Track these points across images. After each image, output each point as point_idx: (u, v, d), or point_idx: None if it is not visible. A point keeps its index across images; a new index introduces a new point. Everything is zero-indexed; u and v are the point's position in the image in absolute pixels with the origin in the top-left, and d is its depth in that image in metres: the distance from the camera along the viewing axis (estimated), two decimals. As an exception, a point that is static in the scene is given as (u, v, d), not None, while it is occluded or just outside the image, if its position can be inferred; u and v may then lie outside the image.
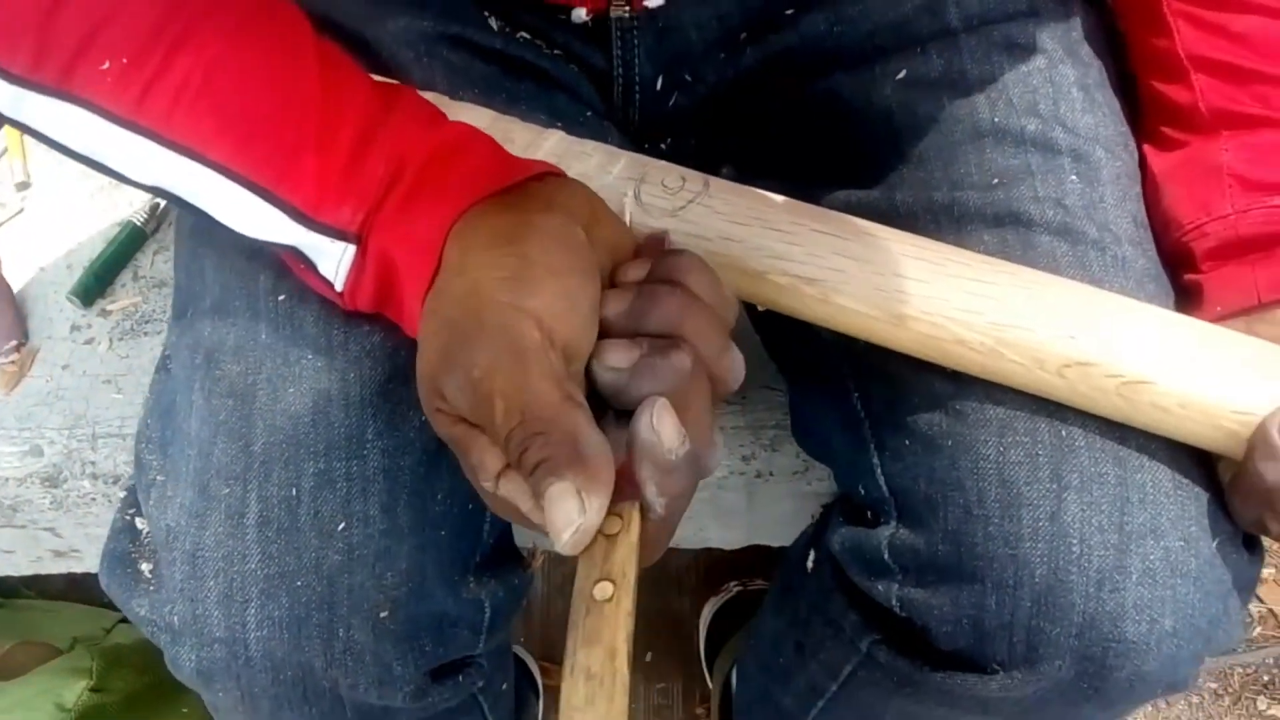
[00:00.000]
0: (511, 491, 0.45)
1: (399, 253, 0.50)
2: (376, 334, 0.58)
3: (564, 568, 1.43)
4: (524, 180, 0.51)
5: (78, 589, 1.41)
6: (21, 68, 0.50)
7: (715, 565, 1.38)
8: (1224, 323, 0.58)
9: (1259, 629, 1.39)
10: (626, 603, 0.43)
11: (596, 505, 0.42)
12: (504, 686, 0.78)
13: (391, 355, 0.58)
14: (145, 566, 0.59)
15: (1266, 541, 1.24)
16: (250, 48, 0.52)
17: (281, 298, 0.59)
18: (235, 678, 0.56)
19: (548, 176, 0.52)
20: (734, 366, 0.49)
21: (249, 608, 0.55)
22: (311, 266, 0.53)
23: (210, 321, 0.61)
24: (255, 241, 0.53)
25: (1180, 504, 0.55)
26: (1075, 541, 0.54)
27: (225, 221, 0.53)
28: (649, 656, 1.35)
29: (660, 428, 0.43)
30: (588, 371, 0.48)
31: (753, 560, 1.38)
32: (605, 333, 0.48)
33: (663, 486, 0.44)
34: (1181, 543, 0.55)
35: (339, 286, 0.53)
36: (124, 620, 1.34)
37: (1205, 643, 0.56)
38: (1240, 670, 1.37)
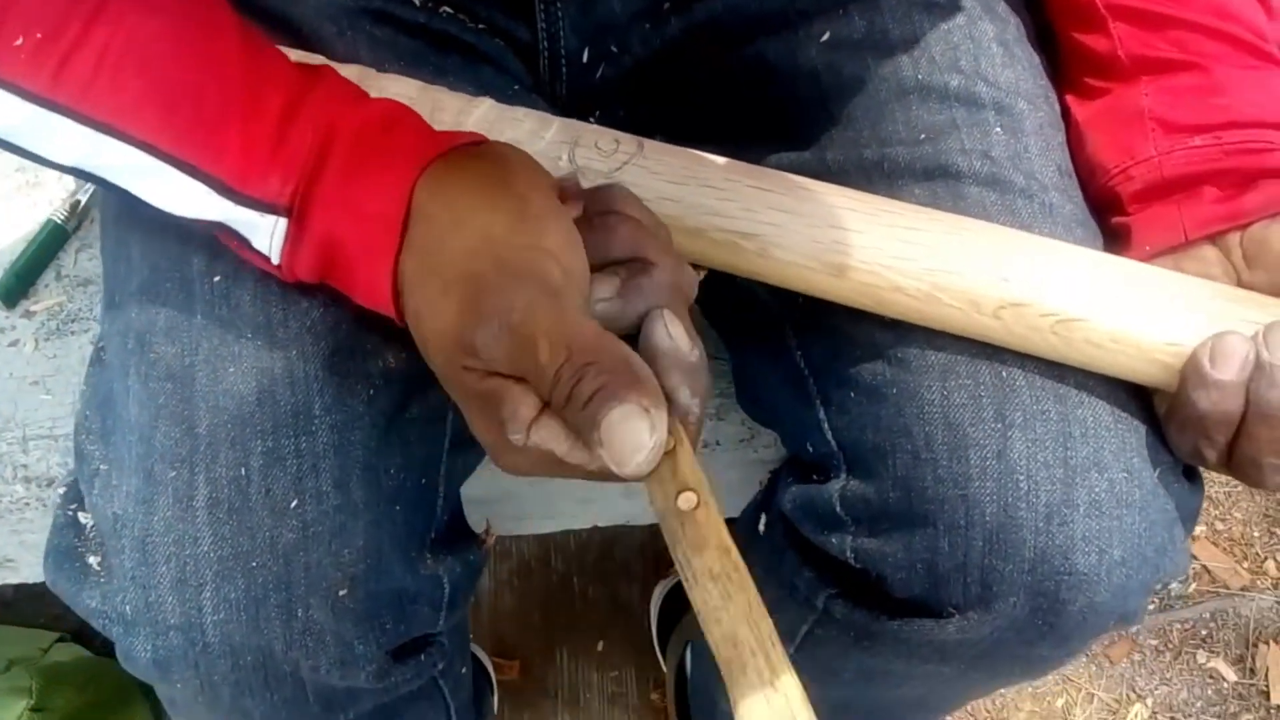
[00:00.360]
0: (546, 437, 0.45)
1: (346, 227, 0.50)
2: (316, 309, 0.57)
3: (509, 562, 1.42)
4: (462, 145, 0.51)
5: (10, 611, 1.38)
6: None
7: (663, 551, 1.38)
8: (1153, 261, 0.60)
9: (1194, 585, 1.43)
10: (713, 505, 0.45)
11: (663, 418, 0.43)
12: (463, 670, 0.78)
13: (333, 330, 0.57)
14: (93, 559, 0.58)
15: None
16: (168, 23, 0.51)
17: (216, 278, 0.58)
18: (193, 665, 0.55)
19: (479, 144, 0.53)
20: (691, 275, 0.51)
21: (204, 591, 0.54)
22: (244, 242, 0.52)
23: (139, 304, 0.59)
24: (183, 220, 0.52)
25: (1121, 437, 0.57)
26: (1023, 478, 0.55)
27: (149, 200, 0.52)
28: (600, 645, 1.36)
29: (675, 334, 0.46)
30: None
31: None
32: None
33: (693, 387, 0.46)
34: (1125, 474, 0.56)
35: (275, 259, 0.52)
36: (61, 639, 1.31)
37: (1154, 571, 0.57)
38: (1179, 626, 1.40)
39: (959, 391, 0.57)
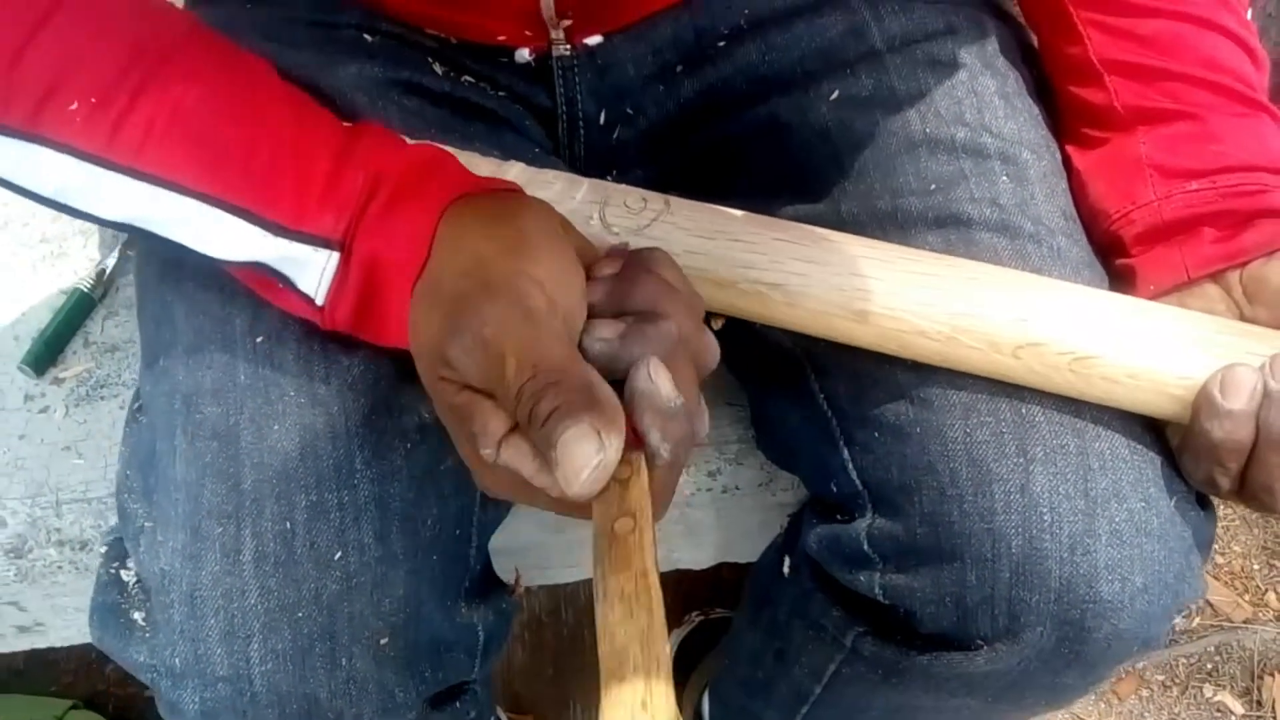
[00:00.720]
0: (513, 456, 0.47)
1: (386, 251, 0.52)
2: (356, 368, 0.59)
3: (520, 616, 1.43)
4: (491, 186, 0.54)
5: (21, 679, 1.38)
6: None
7: (674, 601, 1.40)
8: (1158, 300, 0.63)
9: (1198, 619, 1.44)
10: (648, 534, 0.45)
11: (615, 443, 0.44)
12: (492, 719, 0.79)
13: (373, 387, 0.59)
14: (137, 615, 0.59)
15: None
16: (218, 83, 0.54)
17: (259, 339, 0.60)
18: (241, 715, 0.56)
19: (515, 192, 0.55)
20: (710, 345, 0.52)
21: (251, 643, 0.55)
22: (290, 284, 0.54)
23: (184, 367, 0.61)
24: (230, 264, 0.54)
25: (1138, 468, 0.59)
26: (1046, 510, 0.58)
27: (198, 248, 0.54)
28: (614, 697, 1.36)
29: (656, 377, 0.47)
30: (580, 349, 0.50)
31: (711, 592, 1.40)
32: (590, 316, 0.51)
33: (666, 432, 0.47)
34: (1143, 504, 0.58)
35: (320, 300, 0.54)
36: (75, 707, 1.31)
37: (1174, 597, 0.59)
38: (1185, 660, 1.41)
39: (981, 429, 0.59)
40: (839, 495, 0.67)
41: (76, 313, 0.88)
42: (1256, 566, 1.48)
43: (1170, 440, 0.61)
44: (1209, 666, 1.41)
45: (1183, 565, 0.59)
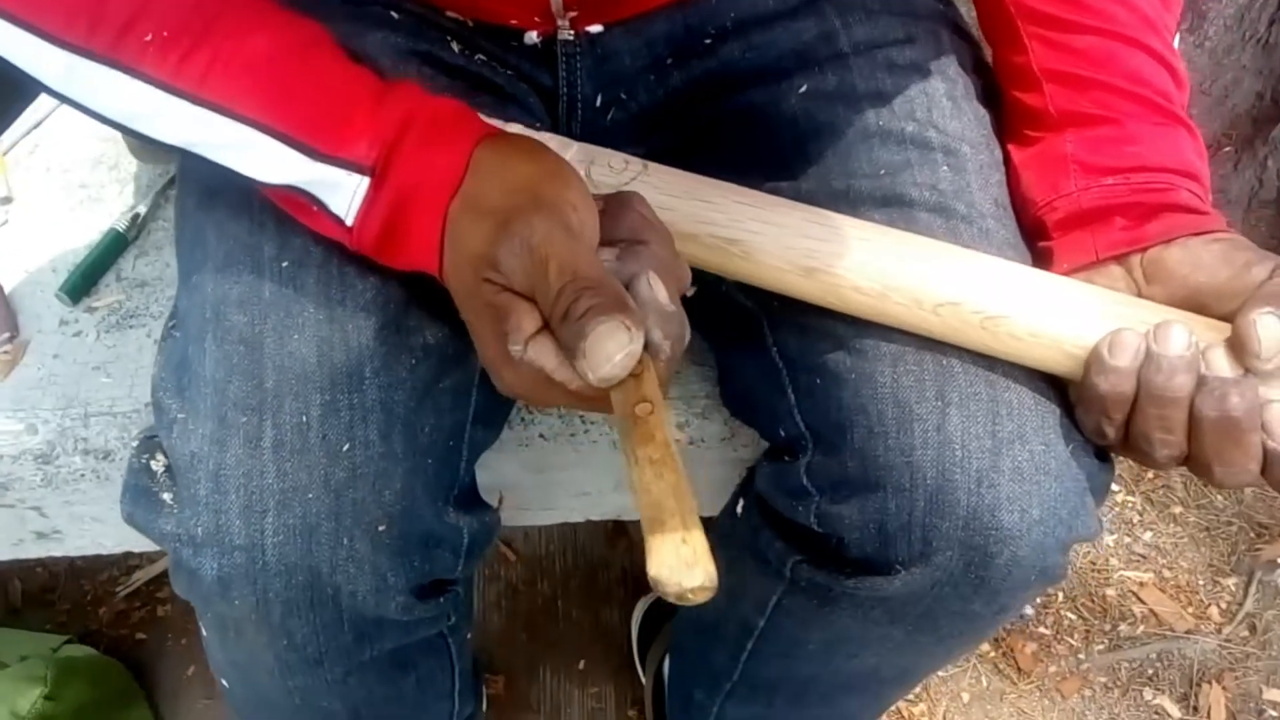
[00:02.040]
0: (539, 353, 0.55)
1: (418, 178, 0.60)
2: (369, 291, 0.68)
3: (498, 584, 1.49)
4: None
5: (18, 618, 1.45)
6: (77, 36, 0.60)
7: (643, 578, 1.45)
8: (1069, 276, 0.71)
9: (1142, 627, 1.50)
10: (662, 414, 0.53)
11: (640, 337, 0.53)
12: (468, 636, 0.87)
13: (383, 309, 0.67)
14: (166, 496, 0.67)
15: (1142, 548, 1.36)
16: (272, 29, 0.62)
17: (284, 264, 0.68)
18: (253, 582, 0.64)
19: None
20: (686, 270, 0.61)
21: (266, 517, 0.63)
22: (322, 206, 0.62)
23: (215, 281, 0.69)
24: (269, 185, 0.62)
25: (1040, 416, 0.67)
26: (958, 448, 0.65)
27: (243, 170, 0.62)
28: (582, 664, 1.42)
29: (655, 286, 0.56)
30: None
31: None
32: None
33: (665, 331, 0.55)
34: (1043, 447, 0.66)
35: (349, 220, 0.62)
36: (69, 641, 1.38)
37: (1067, 530, 0.67)
38: (1127, 665, 1.47)
39: (907, 376, 0.67)
40: (786, 439, 0.75)
41: (111, 250, 0.96)
42: (1201, 582, 1.55)
43: (1071, 398, 0.69)
44: (1150, 672, 1.47)
45: (1076, 504, 0.67)
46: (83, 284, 0.94)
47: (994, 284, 0.66)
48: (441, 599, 0.74)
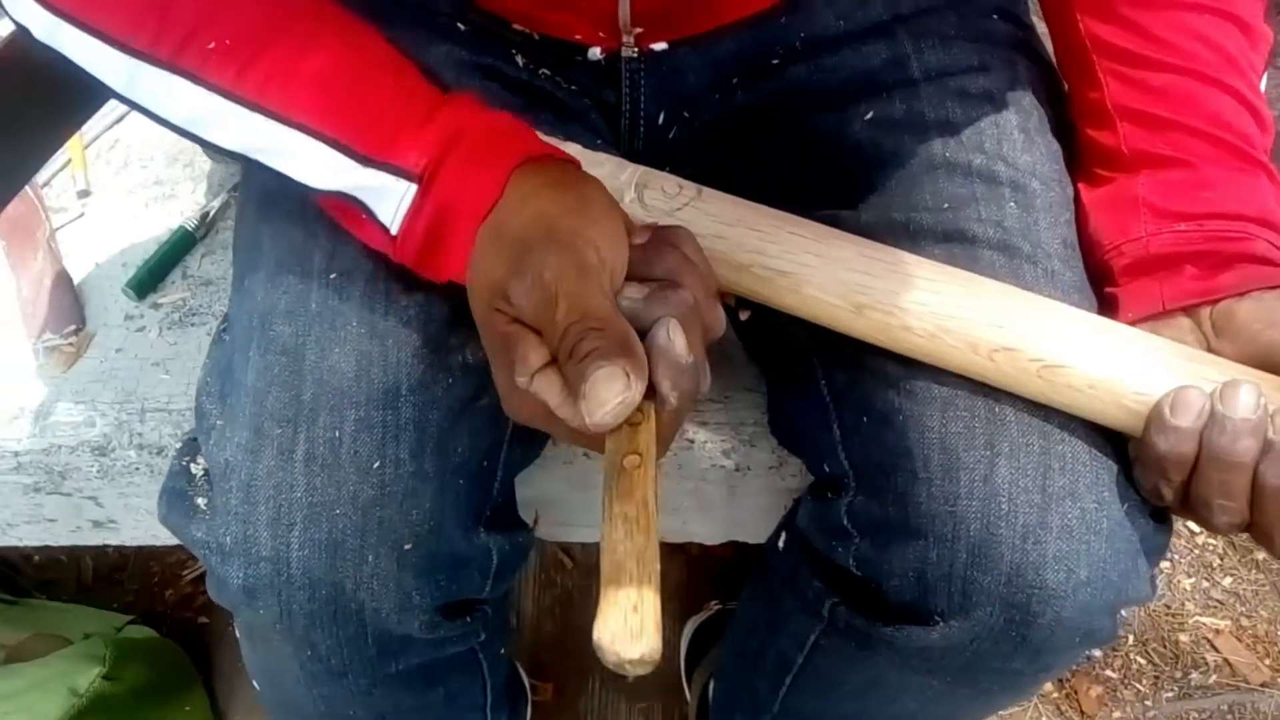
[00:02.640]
0: (544, 387, 0.55)
1: (460, 194, 0.60)
2: (413, 309, 0.68)
3: (553, 590, 1.49)
4: (559, 157, 0.62)
5: (87, 596, 1.48)
6: (143, 43, 0.61)
7: (697, 592, 1.45)
8: (1135, 327, 0.68)
9: (1215, 677, 1.46)
10: (652, 470, 0.52)
11: (639, 386, 0.52)
12: (501, 651, 0.86)
13: (424, 326, 0.67)
14: (200, 501, 0.68)
15: (1221, 594, 1.32)
16: (334, 38, 0.63)
17: (333, 275, 0.69)
18: (277, 593, 0.64)
19: (577, 163, 0.64)
20: (719, 317, 0.60)
21: (293, 530, 0.63)
22: (370, 213, 0.62)
23: (265, 290, 0.70)
24: (321, 192, 0.62)
25: (1095, 473, 0.64)
26: (1004, 500, 0.63)
27: (297, 176, 0.62)
28: (632, 678, 1.42)
29: (674, 336, 0.55)
30: None
31: (732, 584, 1.45)
32: None
33: (675, 383, 0.54)
34: (1095, 505, 0.63)
35: (394, 229, 0.62)
36: (133, 621, 1.41)
37: (1117, 594, 0.64)
38: (1196, 715, 1.42)
39: (956, 421, 0.65)
40: (830, 475, 0.73)
41: (179, 247, 0.98)
42: (1280, 632, 1.50)
43: (1131, 455, 0.66)
44: (1216, 725, 1.43)
45: (1128, 566, 0.64)
46: (149, 280, 0.96)
47: (1054, 331, 0.63)
48: (469, 618, 0.74)
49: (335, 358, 0.66)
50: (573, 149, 0.72)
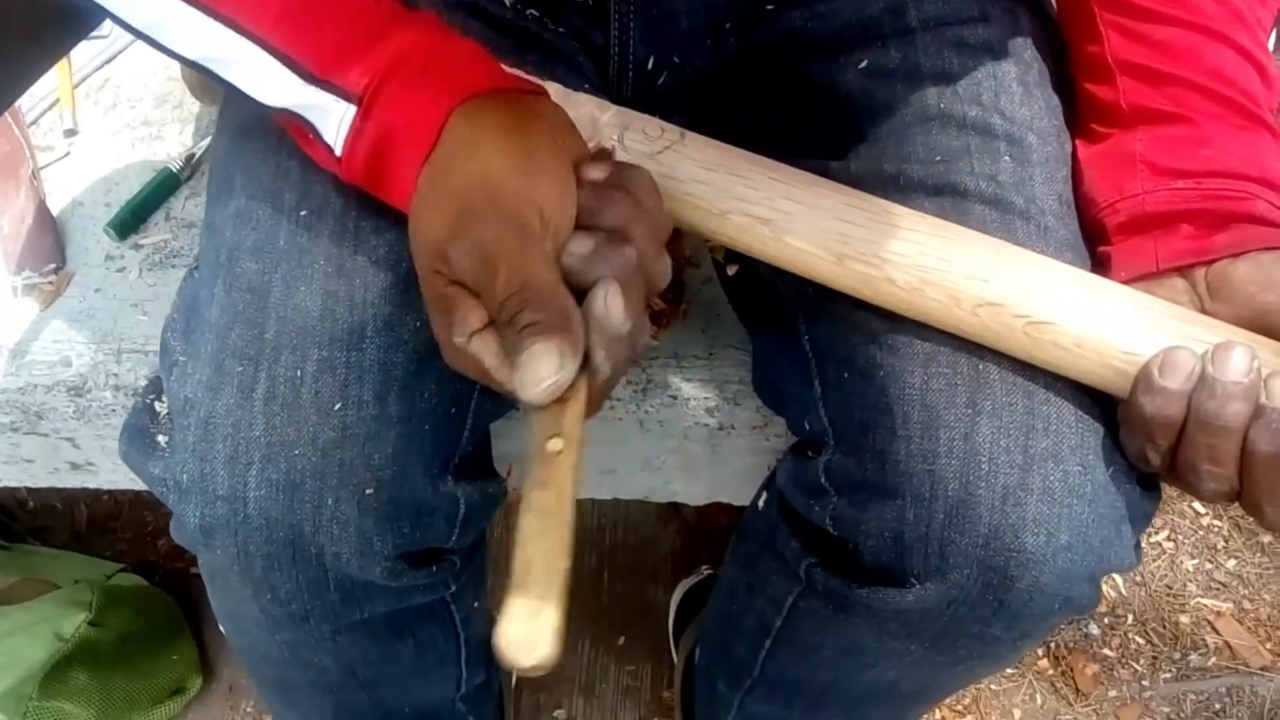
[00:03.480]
0: (481, 349, 0.53)
1: (400, 120, 0.58)
2: (382, 248, 0.66)
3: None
4: (517, 88, 0.60)
5: (80, 542, 1.48)
6: None
7: (690, 558, 1.44)
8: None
9: (1214, 659, 1.44)
10: (573, 456, 0.51)
11: (571, 367, 0.51)
12: (475, 605, 0.85)
13: (394, 267, 0.66)
14: (161, 439, 0.67)
15: (1224, 576, 1.30)
16: None
17: (303, 212, 0.67)
18: (233, 534, 0.63)
19: (535, 92, 0.61)
20: (664, 269, 0.58)
21: (250, 470, 0.62)
22: (316, 133, 0.60)
23: (233, 226, 0.68)
24: (271, 109, 0.61)
25: (1080, 435, 0.62)
26: (985, 460, 0.61)
27: (247, 89, 0.61)
28: (622, 640, 1.40)
29: (611, 305, 0.53)
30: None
31: (724, 549, 1.44)
32: None
33: (609, 352, 0.53)
34: (1079, 468, 0.61)
35: (338, 150, 0.60)
36: (124, 569, 1.40)
37: (1098, 560, 0.62)
38: (1193, 696, 1.40)
39: (938, 378, 0.63)
40: (810, 433, 0.71)
41: (162, 188, 0.96)
42: (1283, 616, 1.48)
43: (1118, 419, 0.64)
44: (1217, 706, 1.40)
45: (1110, 533, 0.62)
46: (131, 221, 0.94)
47: (1041, 287, 0.61)
48: (435, 568, 0.72)
49: (300, 295, 0.64)
50: (552, 89, 0.70)
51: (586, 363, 0.53)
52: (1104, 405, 0.64)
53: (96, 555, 1.44)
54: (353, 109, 0.59)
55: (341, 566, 0.65)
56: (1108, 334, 0.60)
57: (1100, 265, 0.69)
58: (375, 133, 0.59)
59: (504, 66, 0.62)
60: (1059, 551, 0.61)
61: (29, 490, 1.45)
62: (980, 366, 0.63)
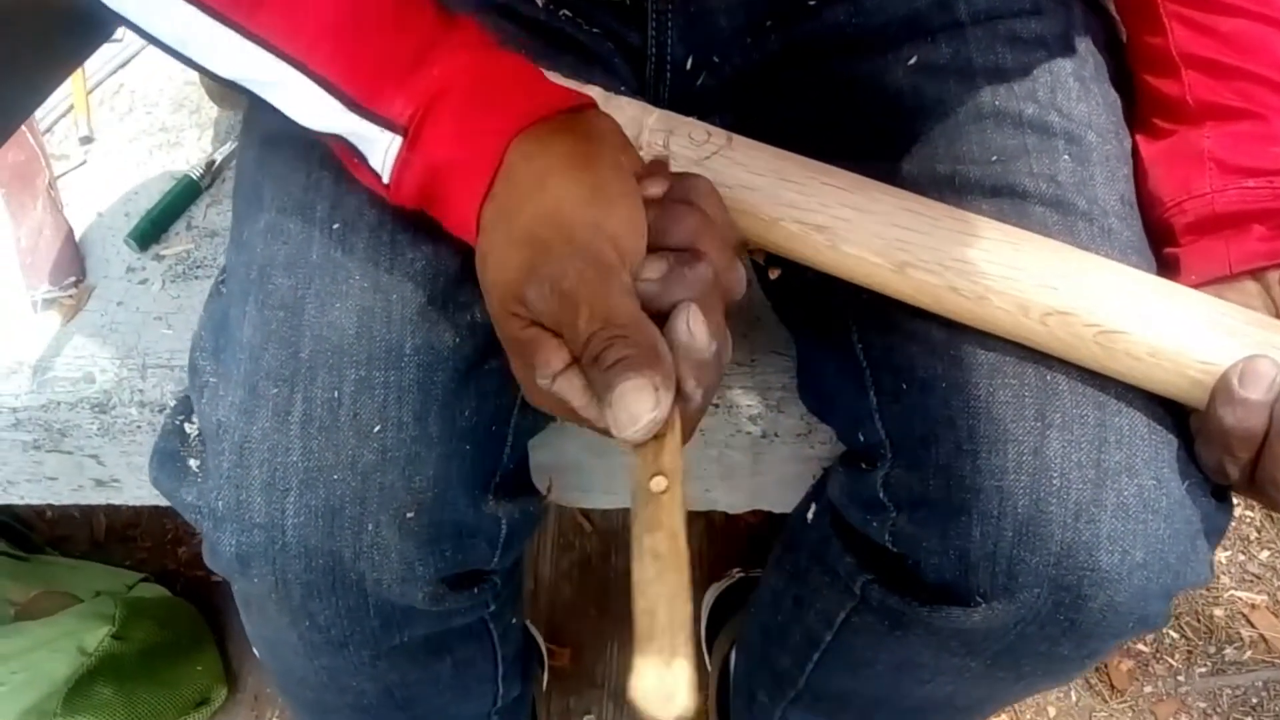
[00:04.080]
0: (567, 389, 0.51)
1: (453, 152, 0.55)
2: (419, 261, 0.63)
3: (571, 554, 1.46)
4: (567, 109, 0.57)
5: (100, 551, 1.46)
6: None
7: (719, 559, 1.42)
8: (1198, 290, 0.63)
9: (1249, 653, 1.42)
10: (679, 493, 0.49)
11: (667, 401, 0.49)
12: (513, 621, 0.83)
13: (432, 281, 0.63)
14: (193, 463, 0.65)
15: (1257, 568, 1.28)
16: None
17: (336, 225, 0.64)
18: (271, 562, 0.61)
19: (587, 107, 0.59)
20: (740, 277, 0.55)
21: (288, 496, 0.60)
22: (363, 159, 0.58)
23: (264, 241, 0.66)
24: (314, 132, 0.58)
25: (1154, 447, 0.60)
26: (1055, 475, 0.59)
27: (287, 112, 0.59)
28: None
29: (695, 330, 0.51)
30: None
31: (755, 552, 1.42)
32: None
33: (699, 379, 0.51)
34: (1154, 482, 0.59)
35: (385, 178, 0.58)
36: (145, 579, 1.39)
37: (1174, 578, 0.60)
38: (1229, 691, 1.39)
39: (1004, 389, 0.61)
40: (864, 444, 0.69)
41: (183, 197, 0.94)
42: (1320, 610, 1.46)
43: (1192, 429, 0.61)
44: (1254, 701, 1.38)
45: (1187, 548, 0.60)
46: (152, 231, 0.92)
47: (1112, 293, 0.59)
48: (476, 589, 0.70)
49: (336, 313, 0.62)
50: (594, 93, 0.68)
51: (678, 392, 0.51)
52: (1176, 415, 0.62)
53: (116, 565, 1.43)
54: (398, 140, 0.57)
55: (382, 592, 0.63)
56: (1183, 342, 0.58)
57: (1166, 268, 0.66)
58: (425, 166, 0.57)
59: (550, 77, 0.60)
60: (1134, 569, 0.59)
61: (49, 501, 1.43)
62: (1048, 377, 0.61)
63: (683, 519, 0.48)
